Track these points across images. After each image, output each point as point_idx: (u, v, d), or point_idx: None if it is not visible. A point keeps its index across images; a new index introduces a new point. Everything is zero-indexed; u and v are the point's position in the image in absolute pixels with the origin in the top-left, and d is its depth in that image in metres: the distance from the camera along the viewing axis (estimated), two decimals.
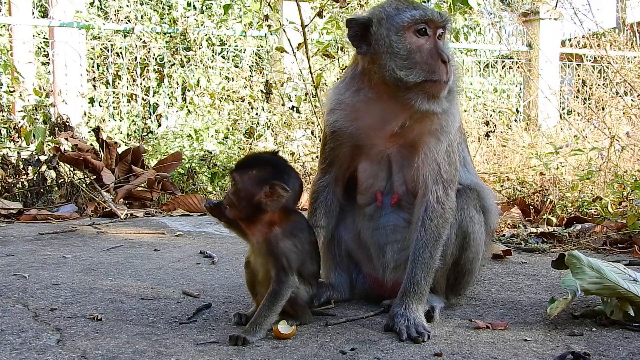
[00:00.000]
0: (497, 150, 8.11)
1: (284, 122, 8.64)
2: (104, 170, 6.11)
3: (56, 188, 6.19)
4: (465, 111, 10.11)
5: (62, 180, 6.14)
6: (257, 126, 8.98)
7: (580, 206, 5.13)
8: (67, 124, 6.53)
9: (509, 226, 5.07)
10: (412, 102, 2.59)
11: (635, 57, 9.16)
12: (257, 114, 8.98)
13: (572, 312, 2.78)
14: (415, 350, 2.32)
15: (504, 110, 10.53)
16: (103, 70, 9.64)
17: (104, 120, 8.98)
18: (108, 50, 9.47)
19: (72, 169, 6.23)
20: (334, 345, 2.37)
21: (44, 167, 6.12)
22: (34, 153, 6.17)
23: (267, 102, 9.07)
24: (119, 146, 6.99)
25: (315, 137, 8.12)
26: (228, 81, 9.40)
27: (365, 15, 2.70)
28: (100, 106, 9.30)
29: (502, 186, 6.28)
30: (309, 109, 8.18)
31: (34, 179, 6.15)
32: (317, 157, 7.67)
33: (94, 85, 9.35)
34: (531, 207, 5.42)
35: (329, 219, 2.96)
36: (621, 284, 2.59)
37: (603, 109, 8.44)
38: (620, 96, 8.32)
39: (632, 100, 8.36)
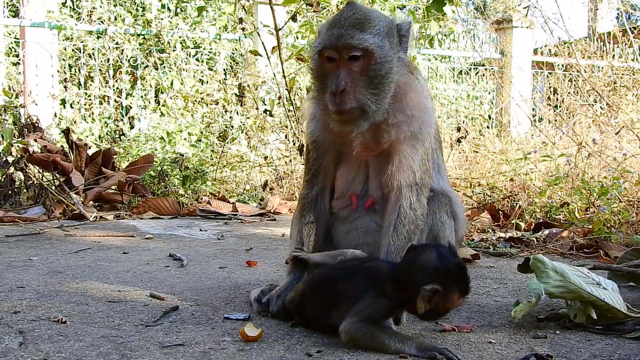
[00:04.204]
0: (469, 156, 8.20)
1: (258, 126, 8.63)
2: (74, 172, 6.03)
3: (24, 190, 6.09)
4: (438, 117, 10.20)
5: (30, 182, 6.05)
6: (230, 129, 8.96)
7: (548, 212, 5.20)
8: (37, 125, 6.45)
9: (479, 231, 5.11)
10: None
11: (603, 67, 9.33)
12: (230, 117, 8.95)
13: (537, 315, 2.82)
14: (381, 352, 2.32)
15: (477, 116, 10.64)
16: (75, 72, 9.53)
17: (75, 122, 8.87)
18: (80, 51, 9.36)
19: (40, 170, 6.14)
20: (301, 348, 2.37)
21: (11, 169, 6.03)
22: (1, 154, 6.07)
23: (241, 105, 9.06)
24: (90, 148, 6.92)
25: (288, 140, 8.12)
26: (202, 84, 9.36)
27: None
28: (72, 108, 9.19)
29: (473, 191, 6.35)
30: (282, 112, 8.19)
31: (1, 180, 6.05)
32: (290, 160, 7.69)
33: (65, 87, 9.23)
34: (501, 212, 5.48)
35: (322, 234, 2.95)
36: (584, 288, 2.62)
37: (573, 116, 8.58)
38: (589, 104, 8.47)
39: (600, 108, 8.51)
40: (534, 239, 4.58)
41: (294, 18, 7.15)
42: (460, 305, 2.52)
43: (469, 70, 11.66)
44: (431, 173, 2.82)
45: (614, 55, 10.17)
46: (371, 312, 2.36)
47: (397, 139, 2.71)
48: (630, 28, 8.79)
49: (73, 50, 9.45)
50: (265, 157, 8.16)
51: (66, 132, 6.47)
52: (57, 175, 6.10)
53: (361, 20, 2.61)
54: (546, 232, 4.74)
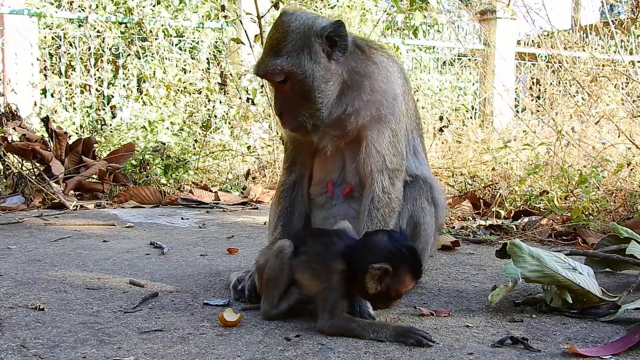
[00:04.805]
0: (452, 146, 8.25)
1: (241, 115, 8.60)
2: (53, 160, 5.97)
3: (3, 179, 6.03)
4: (422, 108, 10.22)
5: (9, 171, 5.99)
6: (213, 119, 8.92)
7: (528, 200, 5.24)
8: (16, 113, 6.37)
9: (459, 219, 5.15)
10: None
11: (585, 58, 9.40)
12: (213, 106, 8.91)
13: (514, 300, 2.85)
14: None
15: (460, 106, 10.68)
16: (56, 60, 9.43)
17: (55, 111, 8.78)
18: (61, 40, 9.25)
19: (20, 159, 6.08)
20: (279, 332, 2.38)
21: None
22: None
23: (224, 94, 9.01)
24: (70, 137, 6.85)
25: (272, 130, 8.11)
26: (185, 73, 9.29)
27: None
28: (52, 97, 9.09)
29: (455, 180, 6.38)
30: (265, 101, 8.16)
31: None
32: (273, 150, 7.68)
33: (45, 75, 9.12)
34: (482, 200, 5.51)
35: (299, 219, 2.97)
36: (560, 272, 2.65)
37: (554, 105, 8.64)
38: (572, 95, 8.52)
39: (582, 98, 8.58)
40: (514, 227, 4.62)
41: (276, 6, 7.12)
42: (413, 289, 2.52)
43: (453, 61, 11.68)
44: (404, 155, 2.82)
45: (596, 48, 10.23)
46: (333, 302, 2.37)
47: (361, 125, 2.74)
48: (612, 20, 8.84)
49: (53, 38, 9.33)
50: (249, 147, 8.14)
51: (45, 121, 6.39)
52: (36, 164, 6.04)
53: (278, 41, 2.64)
54: (526, 219, 4.78)
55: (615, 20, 9.47)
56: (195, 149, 7.95)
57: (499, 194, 5.34)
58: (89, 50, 9.23)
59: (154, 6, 9.56)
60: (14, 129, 6.12)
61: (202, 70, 9.24)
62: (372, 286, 2.35)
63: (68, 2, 9.29)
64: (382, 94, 2.74)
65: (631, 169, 5.54)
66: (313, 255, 2.47)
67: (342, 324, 2.36)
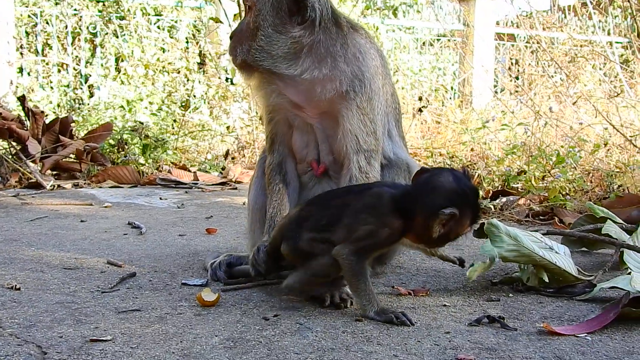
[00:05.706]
0: (431, 126, 8.27)
1: (220, 95, 8.54)
2: (30, 139, 5.89)
3: None
4: (402, 88, 10.21)
5: None
6: (192, 98, 8.84)
7: (506, 180, 5.28)
8: None
9: None
10: None
11: (564, 39, 9.45)
12: (192, 86, 8.83)
13: (491, 279, 2.88)
14: (337, 316, 2.35)
15: (439, 87, 10.69)
16: (32, 38, 9.26)
17: (32, 90, 8.65)
18: (37, 17, 9.08)
19: None
20: (257, 312, 2.38)
21: None
22: None
23: (203, 73, 8.93)
24: (47, 116, 6.76)
25: (251, 110, 8.07)
26: (163, 52, 9.18)
27: None
28: (29, 75, 8.95)
29: (434, 161, 6.40)
30: (244, 81, 8.10)
31: None
32: (252, 130, 7.65)
33: (22, 54, 8.97)
34: None
35: (293, 196, 2.94)
36: (537, 252, 2.68)
37: (532, 85, 8.69)
38: (550, 76, 8.57)
39: (560, 79, 8.64)
40: (492, 207, 4.65)
41: None
42: (469, 232, 2.43)
43: (433, 41, 11.66)
44: (379, 136, 2.80)
45: (574, 29, 10.28)
46: (368, 244, 2.29)
47: (329, 100, 2.71)
48: (590, 1, 8.88)
49: (30, 16, 9.17)
50: (228, 127, 8.10)
51: (22, 99, 6.30)
52: (12, 143, 5.96)
53: None
54: (504, 199, 4.82)
55: (593, 0, 9.50)
56: (173, 128, 7.88)
57: (477, 174, 5.37)
58: (66, 28, 9.09)
59: None
60: None
61: (181, 49, 9.15)
62: (437, 230, 2.26)
63: None
64: (341, 71, 2.71)
65: (608, 149, 5.60)
66: (364, 208, 2.32)
67: (357, 266, 2.29)
